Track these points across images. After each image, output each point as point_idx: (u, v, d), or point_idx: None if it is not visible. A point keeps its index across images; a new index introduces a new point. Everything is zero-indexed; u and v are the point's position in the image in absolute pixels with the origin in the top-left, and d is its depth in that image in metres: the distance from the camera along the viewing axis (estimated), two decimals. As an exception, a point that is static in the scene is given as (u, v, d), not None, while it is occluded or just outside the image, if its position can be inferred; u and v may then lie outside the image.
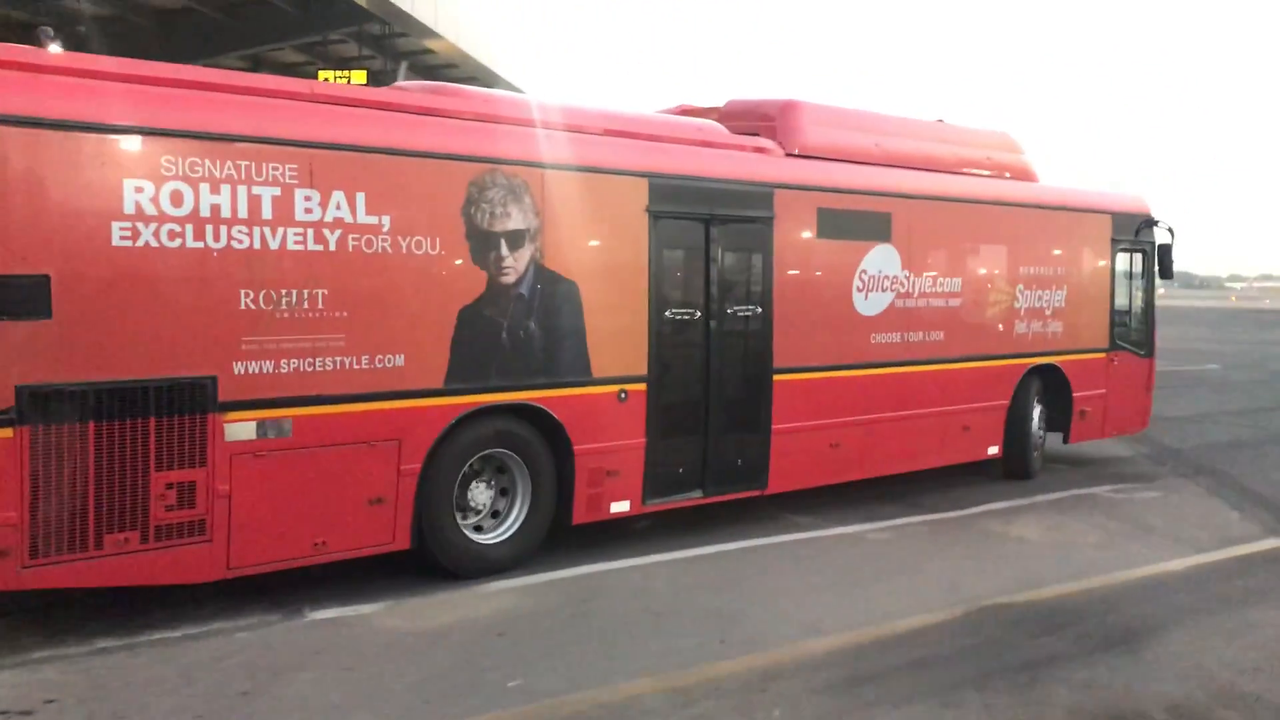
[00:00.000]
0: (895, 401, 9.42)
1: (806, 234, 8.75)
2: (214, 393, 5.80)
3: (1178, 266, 12.03)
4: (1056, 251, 10.93)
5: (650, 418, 7.72)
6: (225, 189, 5.80)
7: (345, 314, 6.25)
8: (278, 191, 5.98)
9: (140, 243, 5.55)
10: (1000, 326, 10.41)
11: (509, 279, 6.96)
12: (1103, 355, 11.41)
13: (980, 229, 10.26)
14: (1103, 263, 11.44)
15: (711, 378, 8.10)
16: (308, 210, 6.10)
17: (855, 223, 9.12)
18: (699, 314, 8.04)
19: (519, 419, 7.15)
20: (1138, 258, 11.85)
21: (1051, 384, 10.98)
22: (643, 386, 7.67)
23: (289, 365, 6.05)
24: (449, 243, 6.68)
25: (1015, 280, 10.51)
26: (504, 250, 6.92)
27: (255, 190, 5.90)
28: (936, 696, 5.18)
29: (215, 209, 5.77)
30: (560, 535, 7.54)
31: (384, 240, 6.40)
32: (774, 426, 8.47)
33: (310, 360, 6.13)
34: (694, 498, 8.12)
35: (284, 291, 6.02)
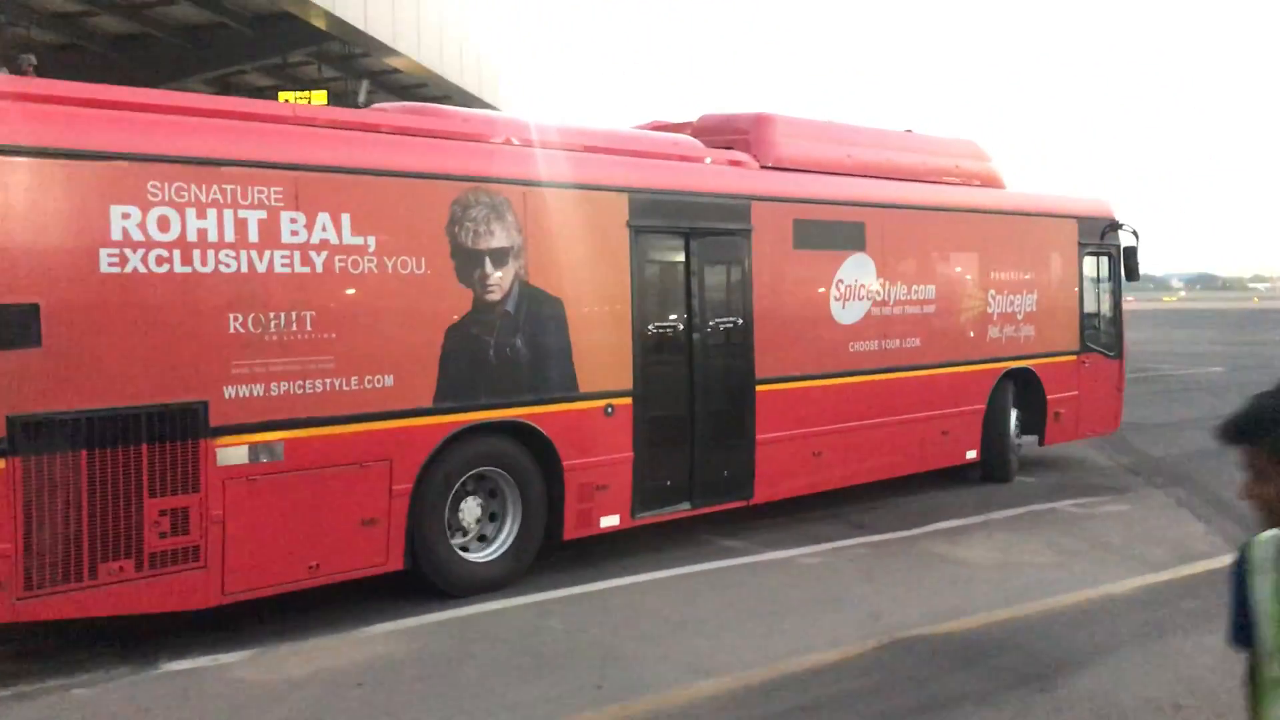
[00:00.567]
0: (875, 409, 9.52)
1: (784, 245, 8.83)
2: (205, 418, 5.76)
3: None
4: (1025, 256, 11.11)
5: (637, 431, 7.75)
6: (212, 213, 5.79)
7: (334, 335, 6.24)
8: (264, 214, 5.97)
9: (128, 269, 5.52)
10: (974, 332, 10.55)
11: (494, 296, 6.98)
12: (1074, 358, 11.59)
13: (951, 236, 10.41)
14: (1071, 266, 11.63)
15: (696, 390, 8.16)
16: (294, 232, 6.09)
17: (830, 233, 9.23)
18: (682, 327, 8.11)
19: (508, 436, 7.16)
20: (1104, 261, 12.07)
21: (1026, 387, 11.14)
22: (629, 401, 7.71)
23: (279, 388, 6.03)
24: (434, 262, 6.69)
25: (987, 285, 10.67)
26: (489, 268, 6.94)
27: (242, 214, 5.89)
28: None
29: (202, 233, 5.76)
30: (550, 552, 7.54)
31: (370, 260, 6.40)
32: (758, 437, 8.54)
33: (300, 382, 6.11)
34: (682, 510, 8.16)
35: (273, 314, 6.01)
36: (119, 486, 5.50)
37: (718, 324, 8.35)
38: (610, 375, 7.63)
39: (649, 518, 7.95)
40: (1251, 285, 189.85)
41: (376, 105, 8.09)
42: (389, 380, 6.48)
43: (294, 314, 6.08)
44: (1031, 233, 11.25)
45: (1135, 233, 12.15)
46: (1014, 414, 11.04)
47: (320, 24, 21.25)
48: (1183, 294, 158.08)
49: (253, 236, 5.93)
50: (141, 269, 5.56)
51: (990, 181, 11.25)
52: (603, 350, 7.60)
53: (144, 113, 5.85)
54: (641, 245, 7.81)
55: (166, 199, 5.64)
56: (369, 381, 6.39)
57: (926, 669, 5.66)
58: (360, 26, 21.64)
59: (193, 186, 5.72)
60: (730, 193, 8.52)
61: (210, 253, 5.78)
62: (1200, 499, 9.98)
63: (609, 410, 7.61)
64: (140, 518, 5.57)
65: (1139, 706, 5.11)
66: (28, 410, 5.24)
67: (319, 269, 6.18)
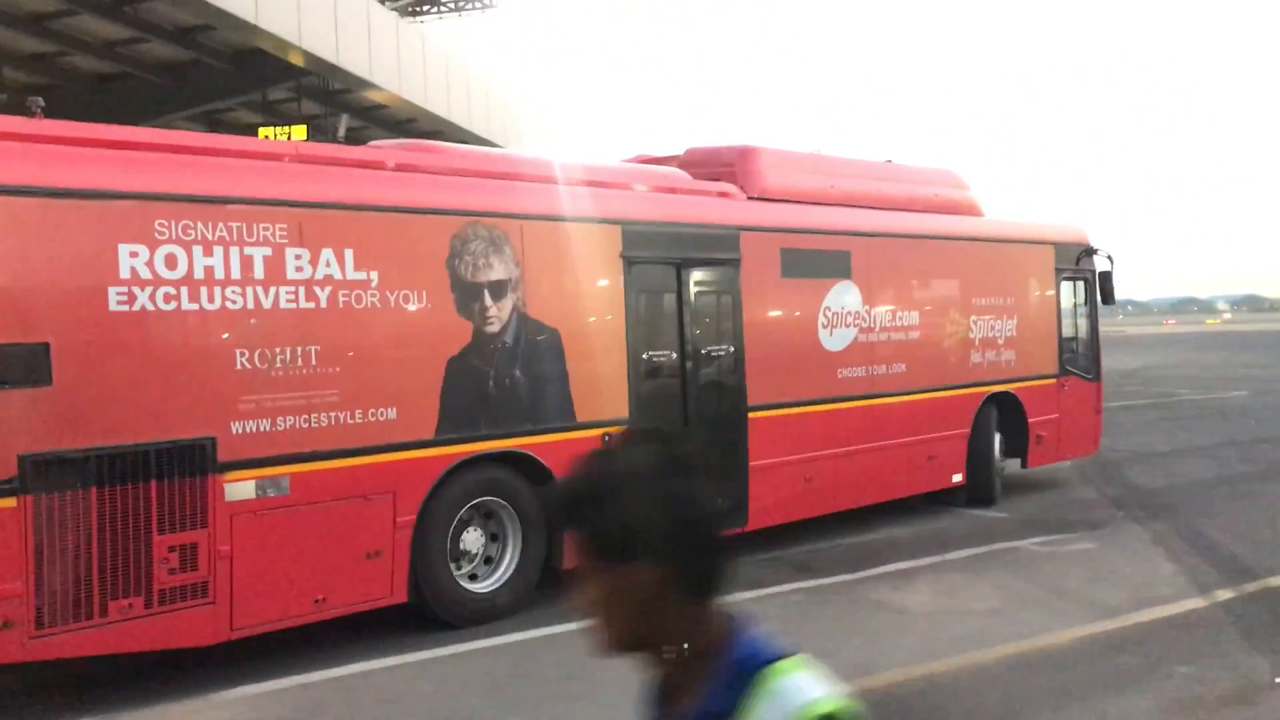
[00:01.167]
0: (863, 434, 9.65)
1: (772, 274, 8.99)
2: (214, 453, 5.81)
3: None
4: (1005, 282, 11.33)
5: (634, 460, 7.81)
6: (218, 250, 5.86)
7: (338, 369, 6.31)
8: (269, 251, 6.05)
9: (137, 306, 5.58)
10: (957, 356, 10.73)
11: (493, 328, 7.07)
12: (1053, 381, 11.79)
13: (933, 263, 10.61)
14: (1049, 291, 11.87)
15: (690, 417, 8.26)
16: (298, 269, 6.17)
17: (817, 261, 9.39)
18: (675, 356, 8.22)
19: (508, 466, 7.23)
20: (1080, 285, 12.32)
21: (1008, 411, 11.31)
22: (625, 429, 7.78)
23: (285, 422, 6.09)
24: (435, 295, 6.79)
25: (969, 310, 10.86)
26: (487, 300, 7.04)
27: (248, 251, 5.97)
28: None
29: (209, 270, 5.83)
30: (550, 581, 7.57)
31: (373, 295, 6.49)
32: (751, 464, 8.64)
33: (305, 417, 6.17)
34: (678, 537, 8.21)
35: (278, 349, 6.07)
36: (129, 523, 5.52)
37: (710, 352, 8.48)
38: (606, 405, 7.72)
39: (646, 545, 7.99)
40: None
41: (373, 143, 8.19)
42: (392, 413, 6.54)
43: (299, 349, 6.15)
44: (1010, 259, 11.48)
45: (1110, 257, 12.42)
46: (998, 437, 11.21)
47: (297, 60, 21.34)
48: (1227, 316, 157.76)
49: (259, 273, 6.00)
50: (150, 306, 5.62)
51: (969, 210, 11.48)
52: (598, 380, 7.70)
53: (149, 152, 5.93)
54: (635, 276, 7.93)
55: (174, 237, 5.71)
56: (373, 414, 6.46)
57: None
58: (333, 61, 21.73)
59: (199, 224, 5.80)
60: (719, 223, 8.68)
61: (217, 289, 5.85)
62: (1179, 535, 9.47)
63: (605, 440, 7.65)
64: (150, 554, 5.60)
65: None
66: (39, 449, 5.27)
67: (323, 304, 6.26)
